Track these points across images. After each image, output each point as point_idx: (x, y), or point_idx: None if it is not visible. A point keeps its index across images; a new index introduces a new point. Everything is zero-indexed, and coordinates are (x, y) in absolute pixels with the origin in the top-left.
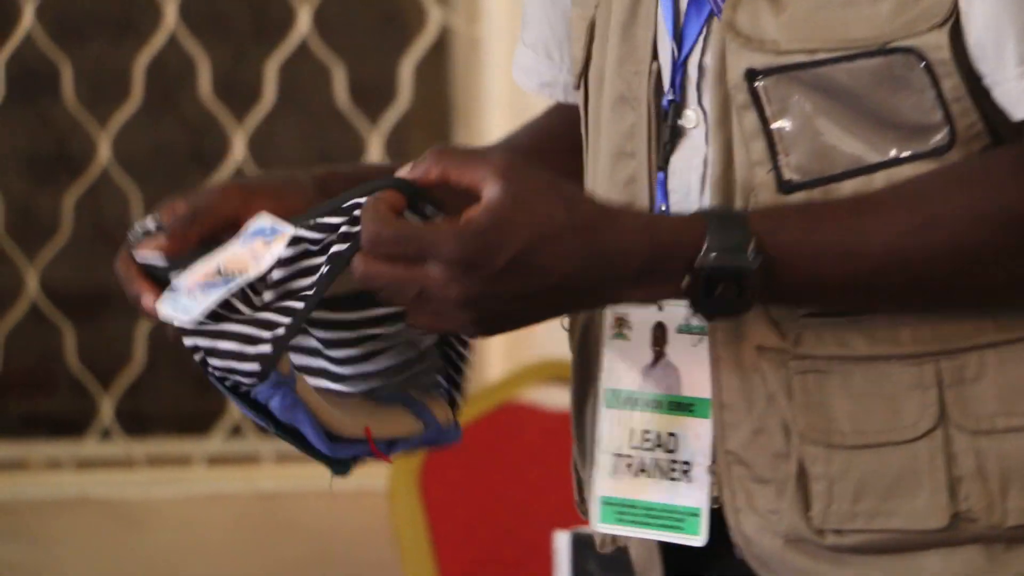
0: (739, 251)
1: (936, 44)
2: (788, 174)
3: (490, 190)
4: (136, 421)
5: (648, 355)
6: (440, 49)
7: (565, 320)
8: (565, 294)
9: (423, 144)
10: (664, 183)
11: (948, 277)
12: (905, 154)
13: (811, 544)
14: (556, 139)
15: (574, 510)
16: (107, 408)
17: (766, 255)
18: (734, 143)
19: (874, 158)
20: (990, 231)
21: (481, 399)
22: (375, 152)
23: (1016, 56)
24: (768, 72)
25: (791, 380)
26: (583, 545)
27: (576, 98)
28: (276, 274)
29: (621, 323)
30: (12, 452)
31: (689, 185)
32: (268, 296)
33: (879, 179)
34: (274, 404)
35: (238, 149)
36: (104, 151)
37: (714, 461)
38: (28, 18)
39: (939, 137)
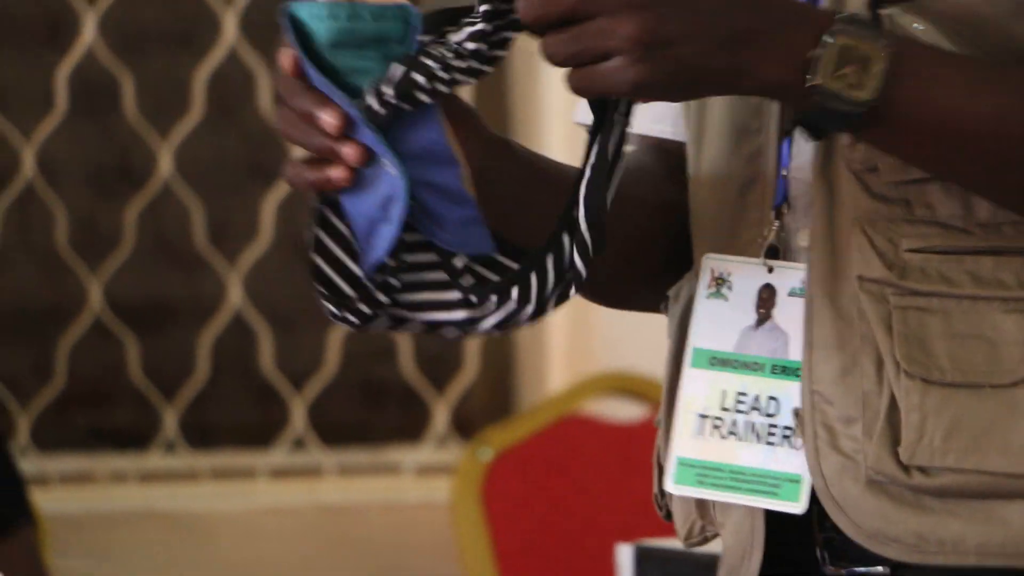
0: (873, 35)
1: None
2: None
3: None
4: (200, 434)
5: (750, 316)
6: None
7: (663, 304)
8: (715, 31)
9: None
10: (789, 148)
11: None
12: None
13: (894, 486)
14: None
15: (636, 523)
16: (171, 421)
17: (897, 49)
18: None
19: None
20: None
21: (542, 411)
22: None
23: None
24: (895, 0)
25: (891, 314)
26: (646, 558)
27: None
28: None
29: (720, 282)
30: (77, 465)
31: (809, 148)
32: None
33: None
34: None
35: None
36: (165, 164)
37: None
38: (90, 32)
39: None
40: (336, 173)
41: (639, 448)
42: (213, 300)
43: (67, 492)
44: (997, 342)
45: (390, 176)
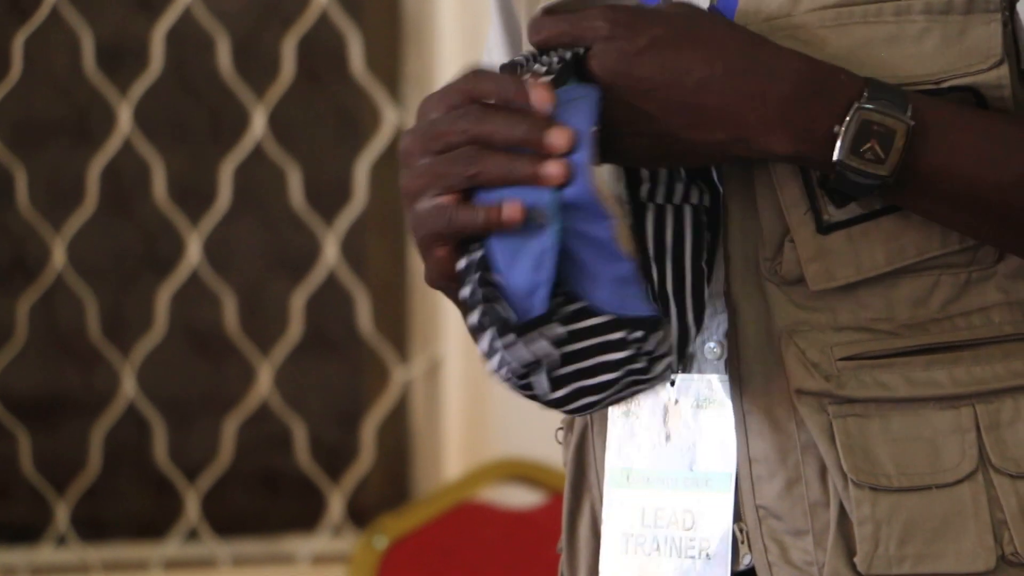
0: (899, 108)
1: (996, 82)
2: (828, 215)
3: None
4: (92, 526)
5: (660, 431)
6: (394, 150)
7: (559, 433)
8: (708, 103)
9: (380, 246)
10: None
11: None
12: None
13: None
14: None
15: None
16: (63, 514)
17: (920, 121)
18: (757, 193)
19: None
20: None
21: (438, 498)
22: (331, 254)
23: None
24: None
25: (831, 424)
26: None
27: None
28: None
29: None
30: None
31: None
32: None
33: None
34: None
35: (193, 252)
36: (59, 256)
37: (739, 519)
38: None
39: None
40: (552, 169)
41: (535, 535)
42: (106, 392)
43: None
44: (936, 441)
45: (542, 232)
